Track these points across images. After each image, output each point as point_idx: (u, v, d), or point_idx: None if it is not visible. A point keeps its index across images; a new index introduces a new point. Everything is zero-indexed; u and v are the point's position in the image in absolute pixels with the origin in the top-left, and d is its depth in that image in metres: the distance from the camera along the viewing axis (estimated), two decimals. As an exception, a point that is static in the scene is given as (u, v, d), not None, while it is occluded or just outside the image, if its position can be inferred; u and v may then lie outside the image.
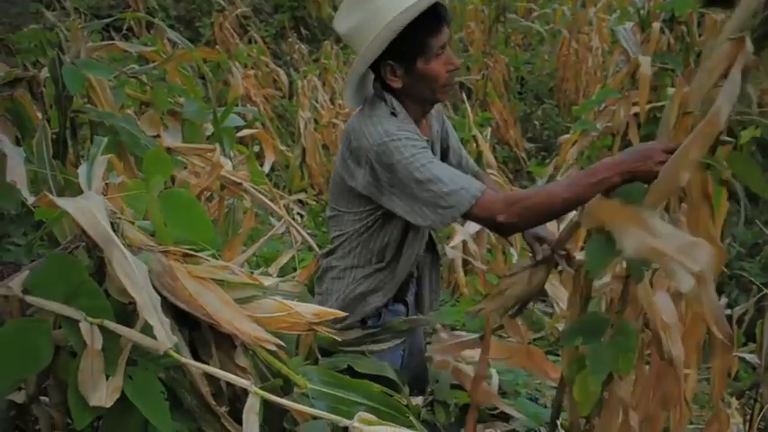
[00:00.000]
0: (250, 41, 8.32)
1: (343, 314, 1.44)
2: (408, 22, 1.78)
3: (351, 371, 1.88)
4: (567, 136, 6.27)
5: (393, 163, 1.80)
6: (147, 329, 1.19)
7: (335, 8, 10.27)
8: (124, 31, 8.22)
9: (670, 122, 1.59)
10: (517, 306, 1.91)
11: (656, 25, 4.74)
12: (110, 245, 1.16)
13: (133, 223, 1.29)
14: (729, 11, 1.62)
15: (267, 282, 1.35)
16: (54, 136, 2.40)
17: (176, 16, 9.15)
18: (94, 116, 2.37)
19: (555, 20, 9.20)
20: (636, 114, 4.84)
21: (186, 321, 1.33)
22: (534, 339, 3.67)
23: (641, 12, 4.90)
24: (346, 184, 1.96)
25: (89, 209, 1.18)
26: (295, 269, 3.30)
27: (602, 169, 1.63)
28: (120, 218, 1.26)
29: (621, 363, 1.59)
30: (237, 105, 3.02)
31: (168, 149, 2.44)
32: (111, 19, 3.58)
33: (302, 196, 6.01)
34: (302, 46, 9.26)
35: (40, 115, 2.52)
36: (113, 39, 7.73)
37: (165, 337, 1.14)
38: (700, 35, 5.00)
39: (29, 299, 1.22)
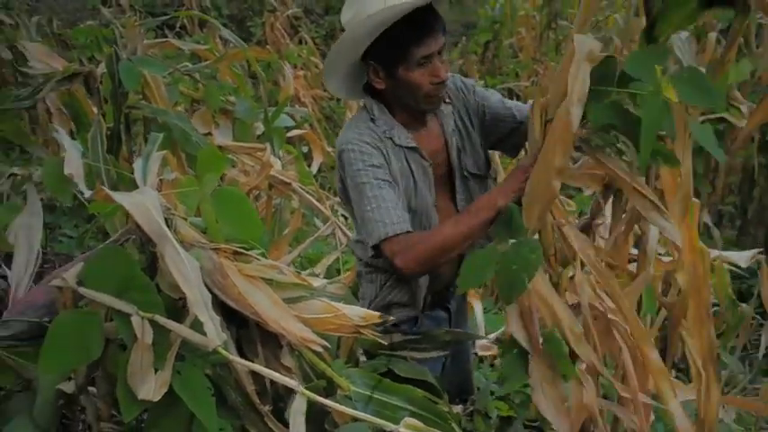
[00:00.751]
0: (300, 42, 8.36)
1: (391, 318, 1.43)
2: (384, 23, 1.75)
3: (391, 374, 1.87)
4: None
5: (346, 171, 1.84)
6: (197, 325, 1.20)
7: (386, 10, 10.39)
8: (177, 29, 8.34)
9: (536, 132, 1.60)
10: None
11: (713, 35, 4.63)
12: (163, 240, 1.17)
13: (186, 220, 1.30)
14: (729, 11, 1.59)
15: (315, 283, 1.35)
16: (108, 131, 2.44)
17: (228, 15, 9.26)
18: (149, 112, 2.40)
19: (606, 27, 9.07)
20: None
21: (234, 319, 1.34)
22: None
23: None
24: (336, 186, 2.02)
25: (144, 204, 1.20)
26: (338, 271, 3.31)
27: (485, 198, 1.73)
28: (173, 214, 1.27)
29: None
30: (287, 106, 3.03)
31: (219, 147, 2.46)
32: (167, 17, 3.63)
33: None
34: (352, 47, 9.27)
35: (95, 110, 2.56)
36: (167, 36, 7.85)
37: (214, 334, 1.15)
38: (757, 46, 4.88)
39: (82, 291, 1.24)
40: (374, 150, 1.83)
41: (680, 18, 1.45)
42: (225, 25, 8.50)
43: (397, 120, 1.90)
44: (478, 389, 2.31)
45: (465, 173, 2.00)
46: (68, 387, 1.41)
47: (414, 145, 1.90)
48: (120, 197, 1.21)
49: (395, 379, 1.78)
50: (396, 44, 1.78)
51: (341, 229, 2.66)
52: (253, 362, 1.34)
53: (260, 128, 2.74)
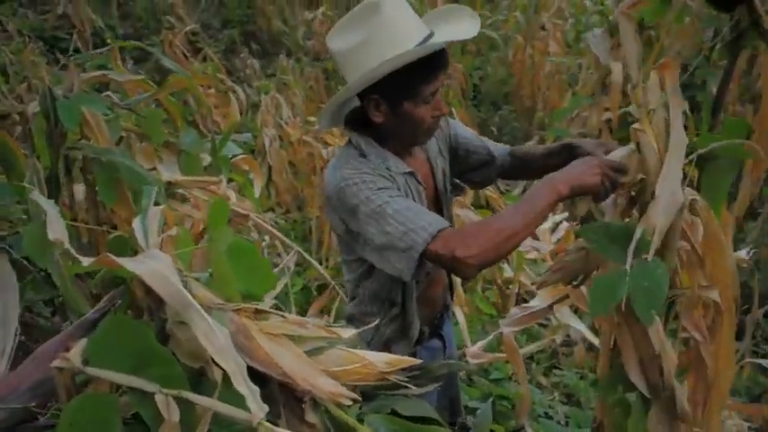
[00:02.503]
0: (205, 59, 8.14)
1: (417, 361, 1.36)
2: (405, 64, 1.69)
3: (394, 414, 1.81)
4: (530, 143, 6.30)
5: (351, 208, 1.73)
6: (225, 396, 1.10)
7: (285, 22, 10.28)
8: (71, 53, 7.96)
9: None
10: (580, 277, 1.83)
11: (622, 39, 4.76)
12: (189, 309, 1.06)
13: (198, 280, 1.19)
14: (728, 12, 1.62)
15: (344, 333, 1.26)
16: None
17: (123, 35, 8.92)
18: (90, 152, 2.23)
19: (507, 26, 9.25)
20: (608, 120, 4.88)
21: (253, 380, 1.24)
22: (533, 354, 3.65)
23: (611, 18, 4.93)
24: (335, 230, 1.91)
25: (159, 270, 1.08)
26: (287, 294, 3.21)
27: (549, 185, 1.62)
28: (186, 276, 1.16)
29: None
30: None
31: (169, 183, 2.32)
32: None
33: (271, 215, 5.89)
34: (254, 61, 9.13)
35: (26, 153, 2.37)
36: (59, 60, 7.50)
37: (257, 407, 1.05)
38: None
39: (91, 371, 1.11)
40: (376, 177, 1.74)
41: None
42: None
43: (389, 150, 1.83)
44: (466, 407, 2.27)
45: (448, 195, 1.98)
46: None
47: (411, 170, 1.85)
48: (131, 264, 1.08)
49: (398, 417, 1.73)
50: (406, 82, 1.71)
51: (307, 259, 2.56)
52: (276, 424, 1.25)
53: (206, 158, 2.60)
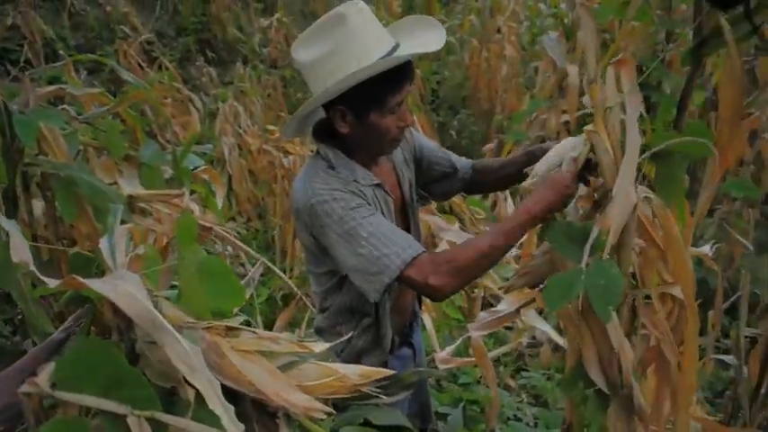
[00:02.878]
0: (160, 68, 8.04)
1: (390, 372, 1.36)
2: (372, 75, 1.68)
3: (367, 423, 1.81)
4: (489, 145, 6.35)
5: (322, 225, 1.73)
6: (199, 416, 1.09)
7: (241, 29, 10.22)
8: (22, 65, 7.81)
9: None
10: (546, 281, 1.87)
11: (581, 34, 4.84)
12: (161, 330, 1.04)
13: (168, 299, 1.17)
14: (726, 11, 1.66)
15: (317, 347, 1.26)
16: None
17: (76, 46, 8.77)
18: (49, 168, 2.19)
19: (463, 30, 9.31)
20: (566, 122, 4.95)
21: (227, 397, 1.23)
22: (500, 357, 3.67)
23: (566, 21, 4.99)
24: (303, 243, 1.90)
25: (129, 291, 1.06)
26: (252, 305, 3.18)
27: (523, 211, 1.65)
28: (156, 295, 1.14)
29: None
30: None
31: (131, 197, 2.28)
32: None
33: (232, 225, 5.85)
34: (210, 69, 9.06)
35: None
36: (9, 72, 7.34)
37: (232, 427, 1.04)
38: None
39: (60, 395, 1.09)
40: (347, 194, 1.73)
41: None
42: (72, 56, 8.11)
43: (356, 161, 1.83)
44: (436, 413, 2.28)
45: (415, 204, 1.99)
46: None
47: (378, 182, 1.85)
48: (99, 285, 1.06)
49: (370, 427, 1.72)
50: (372, 93, 1.71)
51: (273, 269, 2.54)
52: (250, 441, 1.23)
53: (167, 170, 2.57)
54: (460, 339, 2.64)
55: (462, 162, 2.16)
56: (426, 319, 2.84)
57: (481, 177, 2.14)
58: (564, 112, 4.92)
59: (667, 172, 1.61)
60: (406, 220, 1.98)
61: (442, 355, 2.62)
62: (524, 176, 1.76)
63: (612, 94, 1.56)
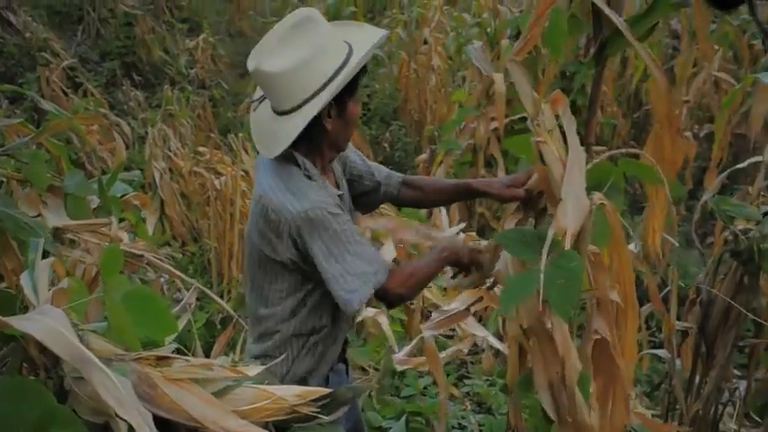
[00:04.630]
0: (85, 94, 7.88)
1: (327, 391, 1.36)
2: (367, 60, 1.79)
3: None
4: (423, 156, 6.41)
5: (315, 234, 1.76)
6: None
7: (167, 51, 10.09)
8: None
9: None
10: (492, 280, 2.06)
11: (505, 42, 4.94)
12: (88, 365, 1.02)
13: (95, 332, 1.15)
14: (727, 11, 1.75)
15: (252, 371, 1.25)
16: None
17: (-7, 74, 8.53)
18: (-32, 203, 2.13)
19: (391, 42, 9.40)
20: (495, 129, 5.03)
21: (162, 428, 1.21)
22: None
23: (488, 30, 5.08)
24: (269, 257, 1.86)
25: (54, 327, 1.04)
26: (190, 331, 3.14)
27: (455, 254, 1.95)
28: (82, 329, 1.12)
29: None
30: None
31: (57, 229, 2.23)
32: None
33: (167, 250, 5.75)
34: (137, 93, 8.92)
35: None
36: None
37: (167, 458, 1.02)
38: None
39: (-14, 438, 1.06)
40: (337, 208, 1.79)
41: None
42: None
43: (318, 170, 1.84)
44: (380, 427, 2.28)
45: (353, 214, 2.01)
46: None
47: (341, 192, 1.89)
48: (22, 323, 1.04)
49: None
50: (351, 82, 1.79)
51: (210, 296, 2.51)
52: (188, 471, 1.22)
53: (94, 199, 2.51)
54: (416, 339, 2.69)
55: (392, 177, 2.15)
56: (383, 318, 2.92)
57: (413, 195, 2.16)
58: (492, 119, 5.01)
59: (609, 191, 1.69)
60: None
61: (398, 356, 2.68)
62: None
63: (551, 122, 1.64)
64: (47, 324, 1.04)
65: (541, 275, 1.44)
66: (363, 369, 3.37)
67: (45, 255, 2.06)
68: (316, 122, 1.77)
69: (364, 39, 1.81)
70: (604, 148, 1.86)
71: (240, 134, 5.56)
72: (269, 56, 1.76)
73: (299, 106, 1.76)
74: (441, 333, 3.95)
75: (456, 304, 2.42)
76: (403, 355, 2.81)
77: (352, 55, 1.78)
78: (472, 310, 2.41)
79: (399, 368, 2.66)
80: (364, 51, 1.78)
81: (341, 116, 1.82)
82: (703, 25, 4.99)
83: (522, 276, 1.55)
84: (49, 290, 1.20)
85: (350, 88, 1.80)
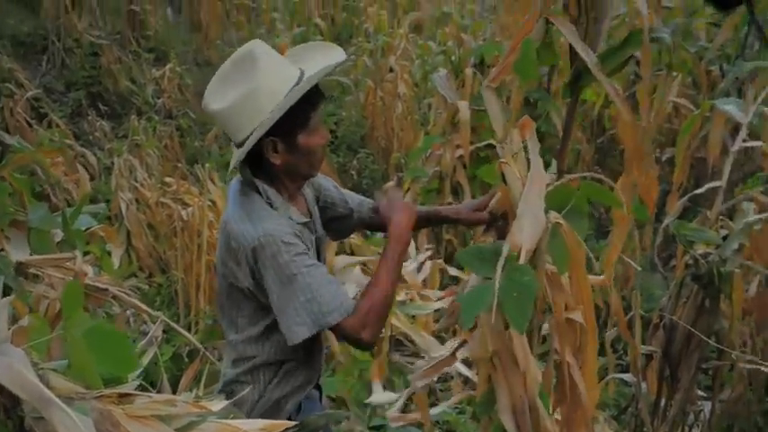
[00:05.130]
0: (50, 125, 7.81)
1: (292, 423, 1.36)
2: (300, 97, 1.77)
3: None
4: (390, 183, 6.43)
5: (267, 263, 1.77)
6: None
7: (133, 81, 10.05)
8: None
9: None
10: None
11: (469, 70, 5.02)
12: (49, 405, 1.02)
13: (55, 370, 1.15)
14: (727, 12, 1.80)
15: (216, 405, 1.25)
16: None
17: (-47, 106, 8.42)
18: (-72, 240, 2.10)
19: (357, 70, 9.47)
20: (460, 156, 5.09)
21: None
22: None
23: (452, 58, 5.15)
24: (233, 285, 1.88)
25: (13, 366, 1.03)
26: (157, 364, 3.11)
27: (395, 241, 1.88)
28: (42, 368, 1.12)
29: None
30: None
31: (20, 264, 2.21)
32: None
33: (133, 282, 5.69)
34: (104, 123, 8.87)
35: None
36: None
37: (130, 499, 1.02)
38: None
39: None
40: (296, 239, 1.79)
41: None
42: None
43: (284, 197, 1.85)
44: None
45: (323, 240, 2.03)
46: None
47: (307, 220, 1.90)
48: (-20, 363, 1.03)
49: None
50: (297, 116, 1.79)
51: (176, 328, 2.49)
52: None
53: (58, 232, 2.49)
54: (404, 393, 2.70)
55: (364, 204, 2.21)
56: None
57: (381, 221, 2.18)
58: (458, 146, 5.06)
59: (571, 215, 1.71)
60: (319, 256, 2.01)
61: (394, 414, 2.67)
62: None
63: (517, 144, 1.68)
64: (6, 364, 1.04)
65: (496, 288, 1.46)
66: (332, 399, 3.36)
67: (7, 290, 2.05)
68: (263, 156, 1.82)
69: (316, 66, 1.84)
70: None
71: (207, 164, 5.55)
72: (213, 94, 1.82)
73: (243, 142, 1.81)
74: (405, 360, 3.97)
75: (442, 350, 2.41)
76: (397, 410, 2.82)
77: (296, 87, 1.79)
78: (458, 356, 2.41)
79: (395, 425, 2.67)
80: (309, 85, 1.80)
81: (291, 149, 1.84)
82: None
83: (478, 289, 1.58)
84: (9, 328, 1.19)
85: (299, 122, 1.82)
